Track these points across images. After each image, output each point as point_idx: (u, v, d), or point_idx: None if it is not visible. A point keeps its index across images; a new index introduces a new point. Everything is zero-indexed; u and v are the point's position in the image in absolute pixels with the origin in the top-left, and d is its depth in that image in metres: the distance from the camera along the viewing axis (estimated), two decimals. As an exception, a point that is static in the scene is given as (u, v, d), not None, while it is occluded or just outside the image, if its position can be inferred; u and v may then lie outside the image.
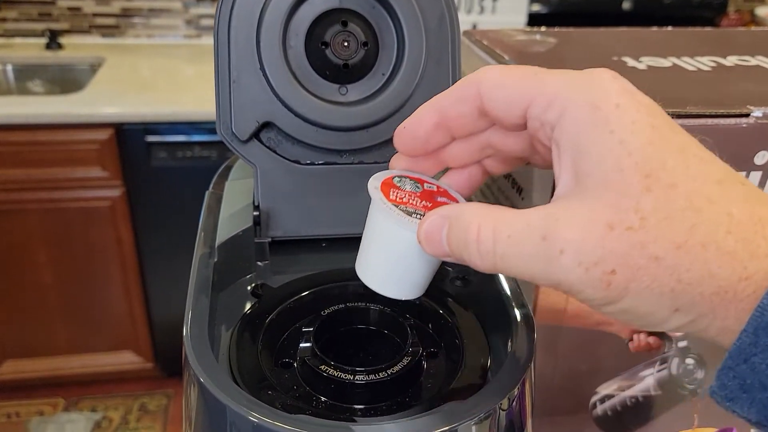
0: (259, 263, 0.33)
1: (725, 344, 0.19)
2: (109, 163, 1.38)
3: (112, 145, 1.36)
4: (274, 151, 0.33)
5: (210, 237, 0.33)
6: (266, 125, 0.32)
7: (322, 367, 0.26)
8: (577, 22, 1.84)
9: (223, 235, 0.32)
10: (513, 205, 0.42)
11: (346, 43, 0.31)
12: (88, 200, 1.42)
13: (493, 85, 0.23)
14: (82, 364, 1.63)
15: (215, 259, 0.31)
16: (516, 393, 0.24)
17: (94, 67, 1.65)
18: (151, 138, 1.37)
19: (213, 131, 1.37)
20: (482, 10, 1.67)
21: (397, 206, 0.25)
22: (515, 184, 0.41)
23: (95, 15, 1.75)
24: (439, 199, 0.26)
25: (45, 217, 1.42)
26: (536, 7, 1.79)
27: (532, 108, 0.21)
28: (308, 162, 0.33)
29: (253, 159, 0.33)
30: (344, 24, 0.31)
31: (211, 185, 0.38)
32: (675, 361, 0.43)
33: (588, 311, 0.40)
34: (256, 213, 0.33)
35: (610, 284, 0.18)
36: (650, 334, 0.42)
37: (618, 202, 0.19)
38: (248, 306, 0.31)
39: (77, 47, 1.72)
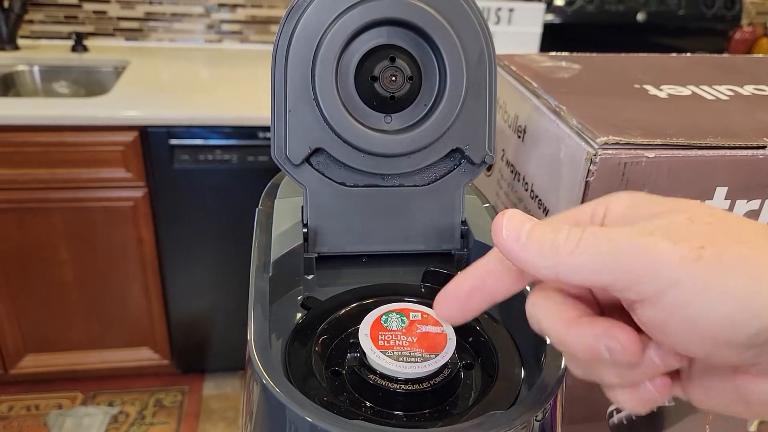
0: (307, 277, 0.36)
1: None
2: (132, 165, 1.41)
3: (137, 147, 1.39)
4: (323, 174, 0.36)
5: (264, 252, 0.35)
6: (317, 150, 0.35)
7: (370, 376, 0.29)
8: (592, 32, 1.86)
9: (276, 251, 0.35)
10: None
11: (393, 78, 0.34)
12: (112, 200, 1.45)
13: None
14: (101, 359, 1.67)
15: (270, 274, 0.34)
16: (550, 404, 0.27)
17: (118, 70, 1.68)
18: (174, 141, 1.40)
19: (233, 135, 1.41)
20: (498, 20, 1.69)
21: (385, 352, 0.29)
22: (541, 204, 0.44)
23: (120, 18, 1.79)
24: (424, 328, 0.30)
25: (69, 216, 1.46)
26: (551, 18, 1.81)
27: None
28: (353, 184, 0.36)
29: (303, 181, 0.35)
30: (392, 60, 0.34)
31: (260, 203, 0.41)
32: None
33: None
34: (304, 230, 0.36)
35: (701, 257, 0.19)
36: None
37: (693, 212, 0.21)
38: (298, 317, 0.33)
39: (101, 50, 1.76)
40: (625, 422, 0.46)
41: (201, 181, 1.47)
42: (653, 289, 0.20)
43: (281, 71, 0.33)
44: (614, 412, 0.46)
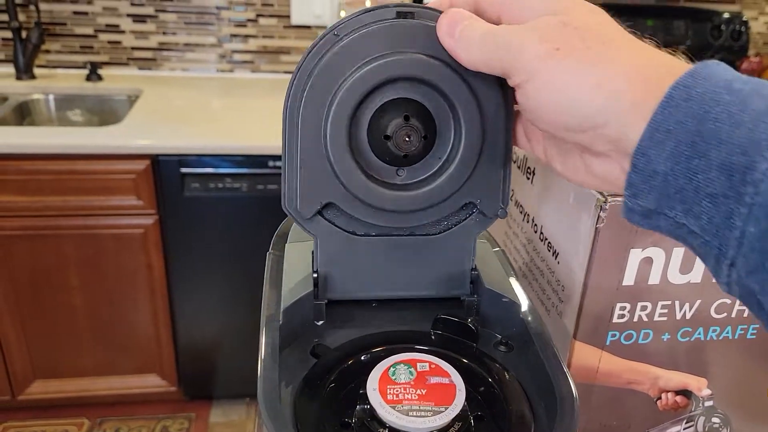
0: (317, 323, 0.36)
1: (632, 124, 0.24)
2: (144, 193, 1.43)
3: (148, 176, 1.41)
4: (334, 224, 0.36)
5: (275, 299, 0.36)
6: (328, 203, 0.35)
7: (380, 430, 0.29)
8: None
9: (286, 298, 0.35)
10: (549, 268, 0.45)
11: (407, 138, 0.33)
12: (122, 227, 1.47)
13: None
14: (108, 386, 1.66)
15: (280, 322, 0.34)
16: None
17: (131, 98, 1.71)
18: (185, 169, 1.42)
19: (243, 164, 1.42)
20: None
21: (394, 407, 0.29)
22: (551, 247, 0.44)
23: (134, 48, 1.82)
24: (432, 380, 0.31)
25: (80, 243, 1.47)
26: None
27: None
28: (364, 233, 0.36)
29: (314, 230, 0.36)
30: (406, 119, 0.33)
31: (271, 246, 0.41)
32: (701, 420, 0.45)
33: (618, 371, 0.42)
34: (315, 276, 0.36)
35: (553, 56, 0.26)
36: (677, 393, 0.44)
37: (572, 15, 0.26)
38: (308, 366, 0.33)
39: (116, 79, 1.79)
40: (637, 468, 0.46)
41: (211, 209, 1.48)
42: (519, 79, 0.27)
43: (293, 125, 0.33)
44: (626, 458, 0.45)
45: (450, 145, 0.34)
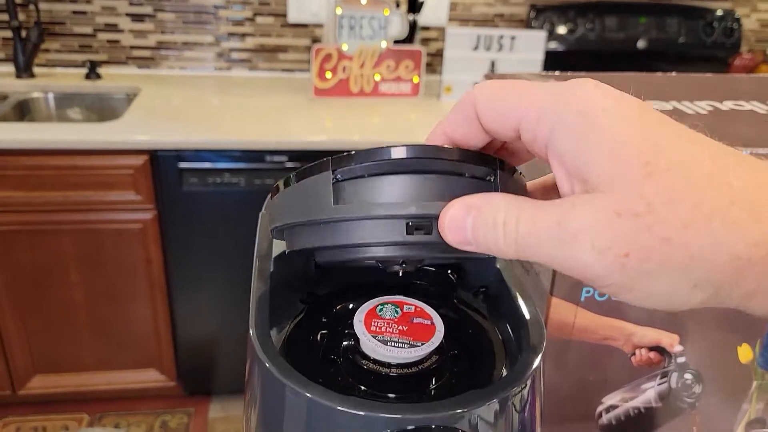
0: (307, 273, 0.39)
1: (752, 309, 0.21)
2: (142, 188, 1.45)
3: (146, 171, 1.43)
4: None
5: (266, 251, 0.38)
6: None
7: (363, 361, 0.31)
8: (594, 60, 1.90)
9: (277, 249, 0.37)
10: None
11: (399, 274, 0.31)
12: (121, 222, 1.49)
13: (486, 103, 0.24)
14: (108, 381, 1.68)
15: (271, 270, 0.36)
16: (527, 393, 0.29)
17: (129, 97, 1.74)
18: (183, 164, 1.44)
19: (241, 159, 1.44)
20: (501, 47, 1.73)
21: (375, 336, 0.31)
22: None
23: (132, 47, 1.85)
24: (415, 320, 0.33)
25: (79, 238, 1.49)
26: (553, 45, 1.86)
27: (524, 123, 0.23)
28: None
29: None
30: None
31: (264, 207, 0.43)
32: (674, 376, 0.47)
33: (594, 327, 0.44)
34: None
35: (625, 266, 0.20)
36: (651, 349, 0.46)
37: (623, 192, 0.20)
38: (298, 311, 0.36)
39: (114, 77, 1.82)
40: (614, 422, 0.48)
41: (209, 204, 1.50)
42: (591, 285, 0.22)
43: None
44: (603, 413, 0.48)
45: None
